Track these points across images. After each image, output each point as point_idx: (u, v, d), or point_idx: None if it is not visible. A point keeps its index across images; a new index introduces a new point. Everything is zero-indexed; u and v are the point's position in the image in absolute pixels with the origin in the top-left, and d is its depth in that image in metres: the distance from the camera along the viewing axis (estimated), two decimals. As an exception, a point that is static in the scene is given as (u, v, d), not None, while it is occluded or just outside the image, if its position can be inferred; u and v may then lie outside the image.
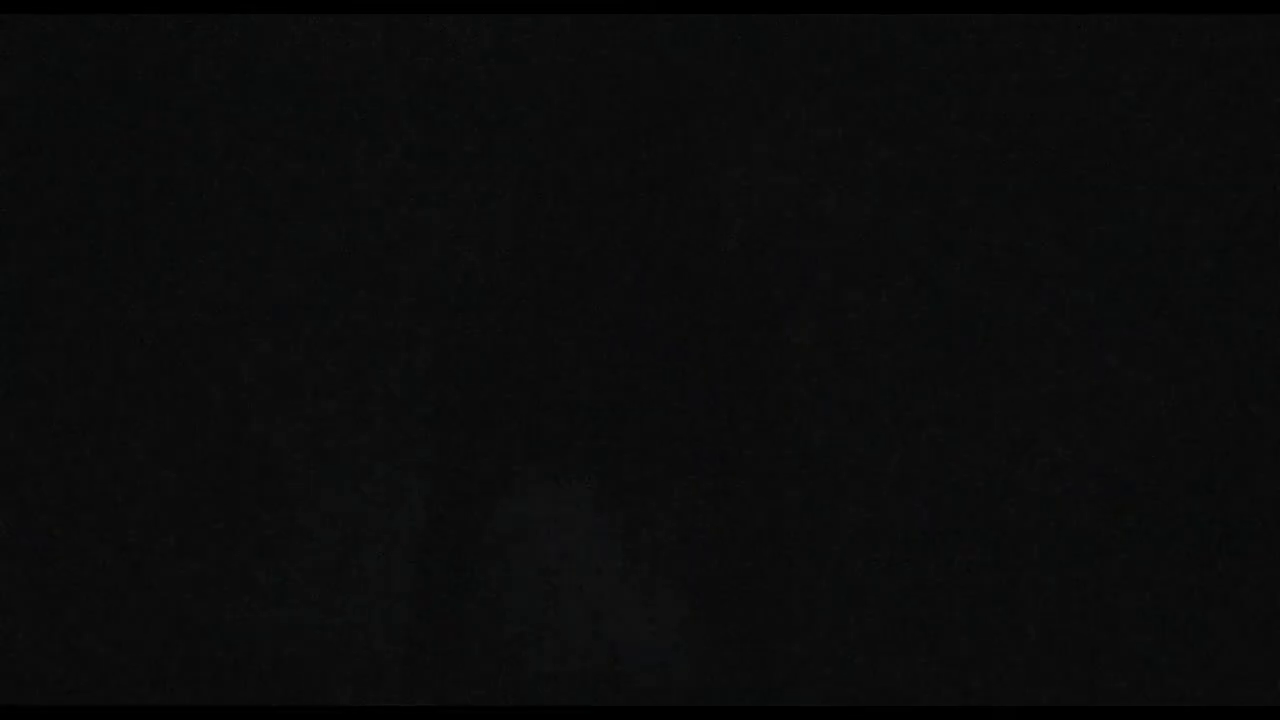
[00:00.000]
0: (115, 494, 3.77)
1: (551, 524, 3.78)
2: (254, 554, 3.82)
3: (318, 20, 3.89)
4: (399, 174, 3.95)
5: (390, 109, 3.92)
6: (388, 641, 3.95)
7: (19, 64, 3.87)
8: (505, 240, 3.68)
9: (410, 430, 3.90)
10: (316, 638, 3.96)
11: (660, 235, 3.52)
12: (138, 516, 3.78)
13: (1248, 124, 3.86)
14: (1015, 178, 3.89)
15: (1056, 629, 3.96)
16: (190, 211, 3.86)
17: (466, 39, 3.89)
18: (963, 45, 3.85)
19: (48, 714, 3.66)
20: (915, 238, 3.90)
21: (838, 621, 3.93)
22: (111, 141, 3.92)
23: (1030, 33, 3.83)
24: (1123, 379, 3.98)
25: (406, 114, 3.89)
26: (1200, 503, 3.89)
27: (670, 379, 3.63)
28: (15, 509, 3.74)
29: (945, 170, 3.89)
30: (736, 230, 3.70)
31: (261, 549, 3.85)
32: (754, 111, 3.87)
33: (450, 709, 3.70)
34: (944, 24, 3.84)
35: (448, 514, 3.77)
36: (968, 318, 3.97)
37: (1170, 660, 3.87)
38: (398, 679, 3.92)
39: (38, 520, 3.75)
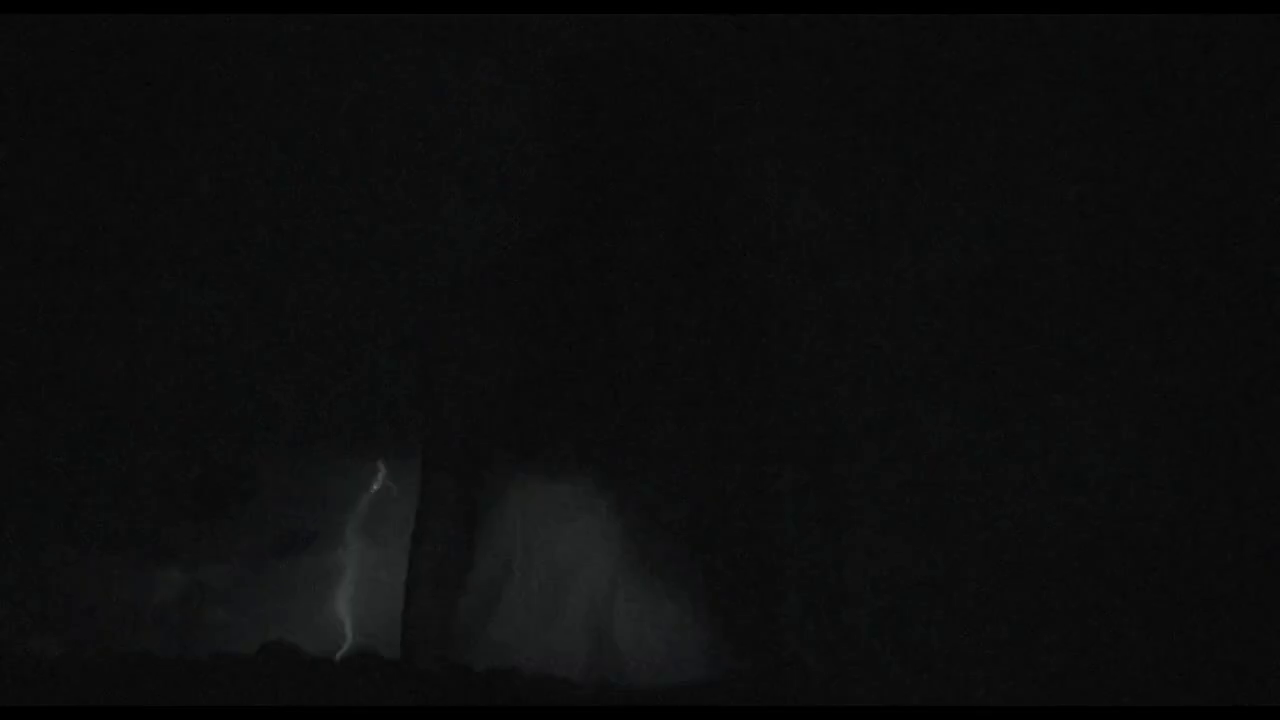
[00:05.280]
0: (105, 492, 3.77)
1: (551, 523, 3.78)
2: (246, 552, 3.82)
3: (318, 20, 3.89)
4: (401, 174, 3.95)
5: (394, 110, 3.91)
6: (386, 641, 3.95)
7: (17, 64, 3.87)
8: (505, 238, 3.67)
9: (405, 427, 3.90)
10: (314, 636, 3.96)
11: (665, 232, 3.52)
12: (130, 511, 3.78)
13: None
14: (1026, 177, 3.89)
15: (1067, 631, 3.96)
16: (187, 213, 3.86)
17: (465, 42, 3.89)
18: (971, 46, 3.86)
19: (48, 714, 3.66)
20: (922, 237, 3.90)
21: (838, 622, 3.92)
22: (110, 141, 3.93)
23: (1036, 32, 3.84)
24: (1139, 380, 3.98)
25: (409, 117, 3.89)
26: (1220, 505, 3.89)
27: (675, 378, 3.63)
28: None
29: (957, 168, 3.89)
30: (744, 229, 3.69)
31: (255, 548, 3.85)
32: (765, 110, 3.86)
33: (450, 709, 3.69)
34: (950, 25, 3.84)
35: (446, 511, 3.77)
36: (981, 316, 3.97)
37: (1184, 662, 3.86)
38: (397, 677, 3.91)
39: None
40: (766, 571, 20.03)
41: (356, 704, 19.63)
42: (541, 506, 23.04)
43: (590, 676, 21.94)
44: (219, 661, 22.44)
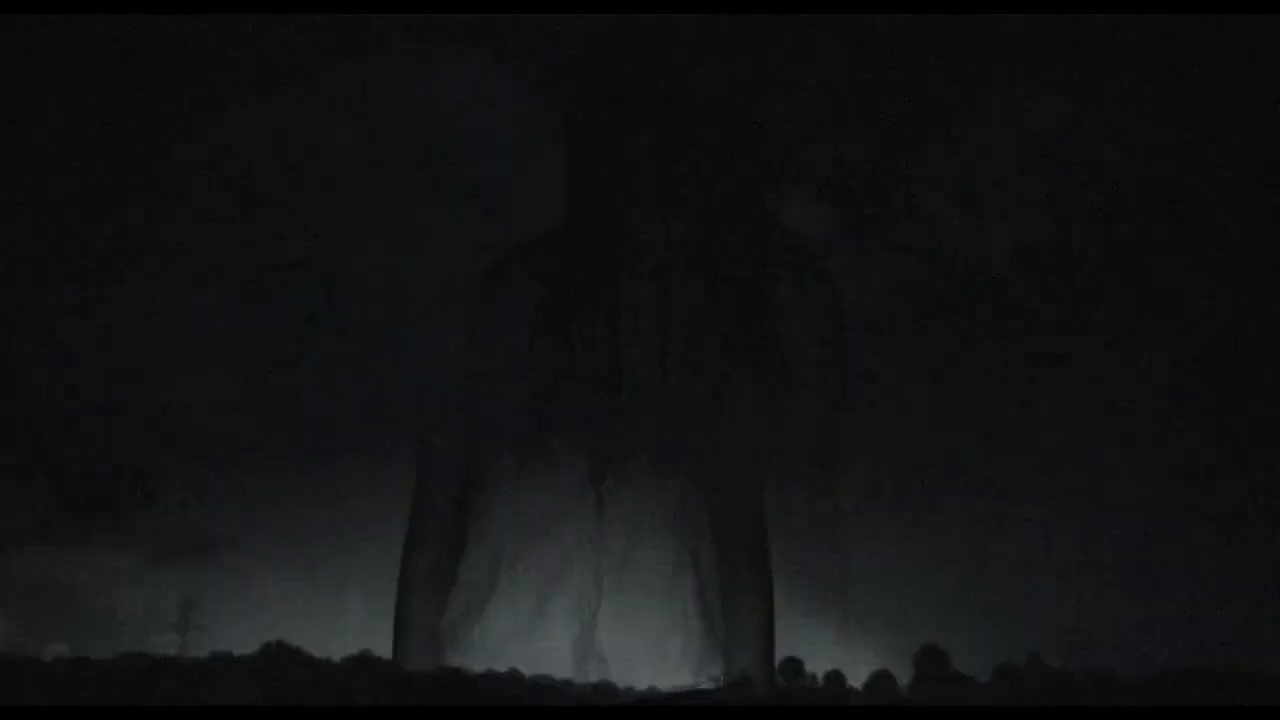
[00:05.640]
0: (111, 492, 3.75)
1: (540, 528, 3.76)
2: (243, 553, 3.80)
3: (326, 19, 3.88)
4: (398, 175, 3.93)
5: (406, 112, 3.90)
6: (384, 639, 3.94)
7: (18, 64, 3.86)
8: (505, 240, 3.65)
9: (401, 434, 3.89)
10: (310, 638, 3.94)
11: (666, 232, 3.50)
12: (139, 514, 3.77)
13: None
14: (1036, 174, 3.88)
15: (1067, 631, 3.95)
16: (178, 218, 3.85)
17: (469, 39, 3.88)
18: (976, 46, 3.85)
19: (48, 714, 3.65)
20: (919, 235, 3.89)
21: (838, 622, 3.91)
22: (110, 140, 3.91)
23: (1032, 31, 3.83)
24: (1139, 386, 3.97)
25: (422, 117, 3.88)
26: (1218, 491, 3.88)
27: (674, 379, 3.61)
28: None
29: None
30: (744, 230, 3.68)
31: (252, 549, 3.84)
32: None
33: (443, 709, 3.68)
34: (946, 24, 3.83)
35: (438, 516, 3.75)
36: (980, 317, 3.96)
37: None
38: (391, 679, 3.90)
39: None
40: (763, 572, 19.93)
41: (354, 704, 19.60)
42: (531, 511, 22.99)
43: (576, 679, 21.96)
44: (219, 661, 22.42)
